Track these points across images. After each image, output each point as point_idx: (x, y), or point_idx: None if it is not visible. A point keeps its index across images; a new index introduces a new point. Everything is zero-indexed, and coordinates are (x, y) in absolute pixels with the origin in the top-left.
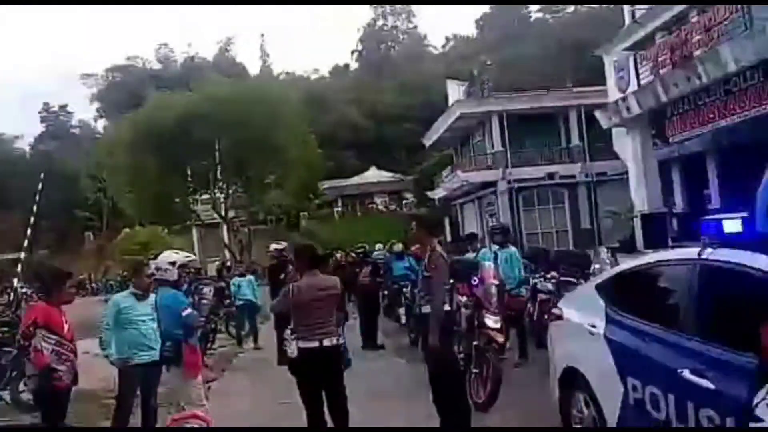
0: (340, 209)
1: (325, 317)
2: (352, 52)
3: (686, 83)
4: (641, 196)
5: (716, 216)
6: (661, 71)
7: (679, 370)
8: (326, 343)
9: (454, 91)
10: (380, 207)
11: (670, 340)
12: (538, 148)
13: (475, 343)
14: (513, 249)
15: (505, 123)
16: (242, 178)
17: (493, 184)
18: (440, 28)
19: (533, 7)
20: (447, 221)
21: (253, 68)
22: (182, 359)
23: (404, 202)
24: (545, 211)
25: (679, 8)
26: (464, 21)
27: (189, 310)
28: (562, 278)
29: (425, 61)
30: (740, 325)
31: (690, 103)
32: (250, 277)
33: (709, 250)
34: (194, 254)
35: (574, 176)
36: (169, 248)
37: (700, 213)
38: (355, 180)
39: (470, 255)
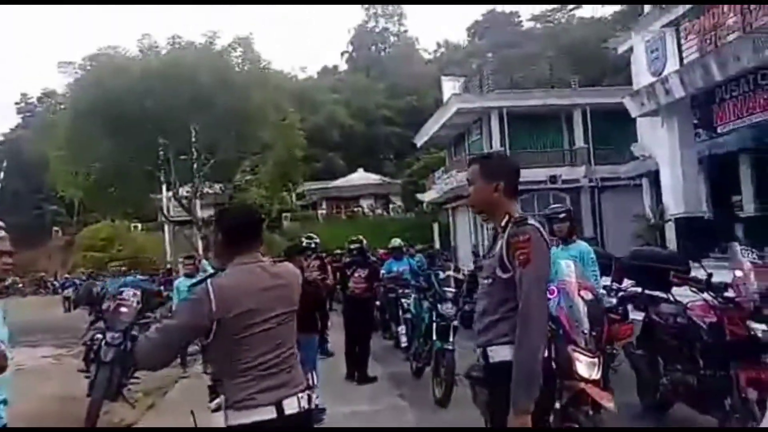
0: (324, 211)
1: (283, 347)
2: (342, 53)
3: (752, 55)
4: (676, 197)
5: None
6: (712, 44)
7: None
8: (289, 407)
9: (450, 88)
10: (366, 210)
11: None
12: (540, 150)
13: (557, 404)
14: (584, 245)
15: (506, 121)
16: (210, 165)
17: None
18: (431, 32)
19: (524, 16)
20: (436, 227)
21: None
22: None
23: (391, 206)
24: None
25: None
26: (455, 28)
27: None
28: (645, 291)
29: (416, 64)
30: None
31: (750, 84)
32: (203, 274)
33: None
34: (166, 252)
35: (577, 180)
36: (133, 244)
37: (730, 221)
38: (341, 182)
39: None
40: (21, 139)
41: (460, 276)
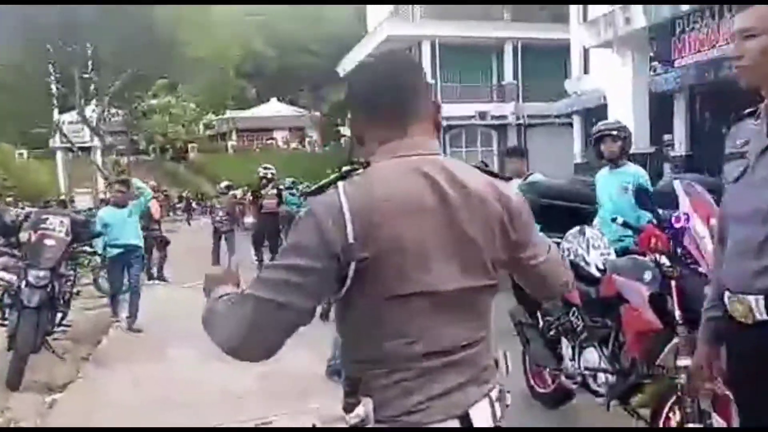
0: (234, 143)
1: (472, 319)
2: None
3: None
4: None
5: None
6: None
7: None
8: (479, 419)
9: (376, 15)
10: (280, 143)
11: None
12: (470, 84)
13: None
14: (635, 168)
15: (437, 52)
16: (116, 85)
17: None
18: None
19: None
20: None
21: None
22: None
23: (307, 140)
24: (473, 154)
25: None
26: None
27: None
28: None
29: None
30: None
31: (715, 16)
32: (136, 203)
33: None
34: (59, 182)
35: (505, 116)
36: (21, 174)
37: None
38: (253, 112)
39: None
40: None
41: None
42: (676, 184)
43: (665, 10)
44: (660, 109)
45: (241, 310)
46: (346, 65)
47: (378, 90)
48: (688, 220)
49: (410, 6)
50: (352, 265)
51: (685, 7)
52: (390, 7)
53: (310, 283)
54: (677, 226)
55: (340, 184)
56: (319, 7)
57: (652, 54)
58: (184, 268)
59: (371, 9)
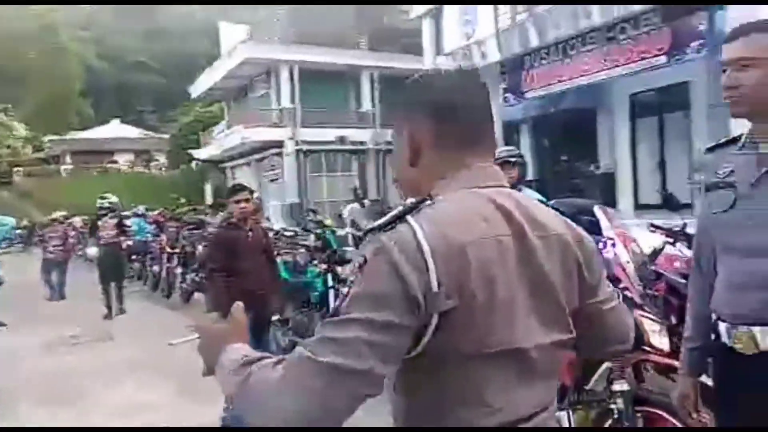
0: (69, 166)
1: (546, 388)
2: None
3: (572, 22)
4: None
5: None
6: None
7: None
8: None
9: (230, 35)
10: (123, 166)
11: None
12: (329, 109)
13: (637, 390)
14: (531, 192)
15: (296, 76)
16: None
17: (278, 144)
18: None
19: None
20: (209, 187)
21: None
22: None
23: (153, 163)
24: (333, 179)
25: None
26: None
27: None
28: None
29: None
30: None
31: (560, 52)
32: None
33: None
34: None
35: (364, 142)
36: None
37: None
38: (91, 133)
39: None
40: None
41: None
42: (596, 209)
43: (516, 47)
44: (508, 138)
45: (297, 382)
46: (198, 87)
47: (462, 106)
48: (614, 245)
49: (269, 28)
50: (434, 318)
51: (534, 44)
52: (246, 29)
53: (388, 341)
54: (605, 252)
55: (410, 218)
56: (160, 21)
57: (504, 86)
58: (17, 308)
59: (225, 29)
